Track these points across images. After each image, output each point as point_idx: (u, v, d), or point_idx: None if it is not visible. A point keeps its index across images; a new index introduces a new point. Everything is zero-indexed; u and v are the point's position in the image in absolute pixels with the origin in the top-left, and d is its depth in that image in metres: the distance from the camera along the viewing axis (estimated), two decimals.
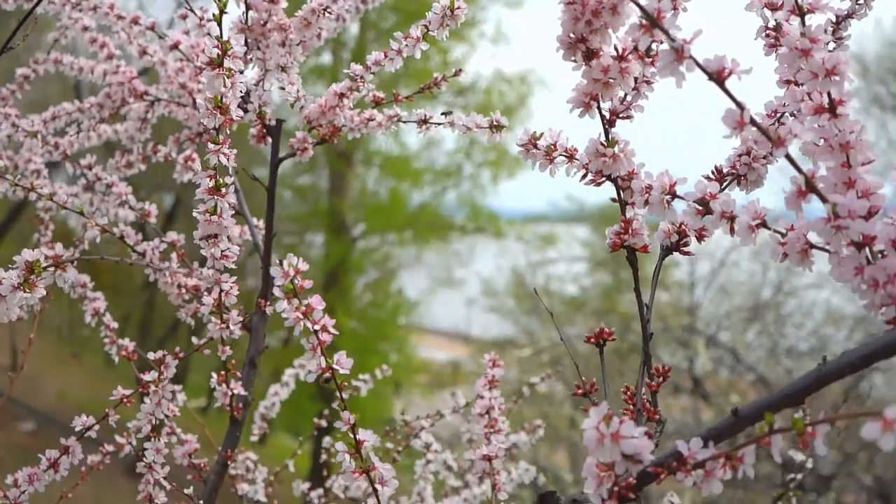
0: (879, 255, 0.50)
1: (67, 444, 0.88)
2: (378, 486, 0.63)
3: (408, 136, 11.89)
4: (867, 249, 0.49)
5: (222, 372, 0.93)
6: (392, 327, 10.82)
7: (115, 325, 1.07)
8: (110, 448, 1.13)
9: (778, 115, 0.67)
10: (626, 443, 0.48)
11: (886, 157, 9.32)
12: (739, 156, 0.66)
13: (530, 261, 9.30)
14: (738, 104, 0.49)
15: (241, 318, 0.89)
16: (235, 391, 0.94)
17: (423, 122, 0.91)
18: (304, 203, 11.41)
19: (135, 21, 1.07)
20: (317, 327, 0.60)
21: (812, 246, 0.52)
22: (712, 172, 0.67)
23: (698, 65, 0.49)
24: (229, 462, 0.96)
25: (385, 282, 11.51)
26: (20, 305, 0.64)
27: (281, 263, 0.59)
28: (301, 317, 0.60)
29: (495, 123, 0.81)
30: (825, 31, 0.69)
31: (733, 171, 0.66)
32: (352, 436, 0.63)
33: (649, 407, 0.60)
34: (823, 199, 0.50)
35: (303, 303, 0.60)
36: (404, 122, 0.94)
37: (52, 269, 0.66)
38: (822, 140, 0.53)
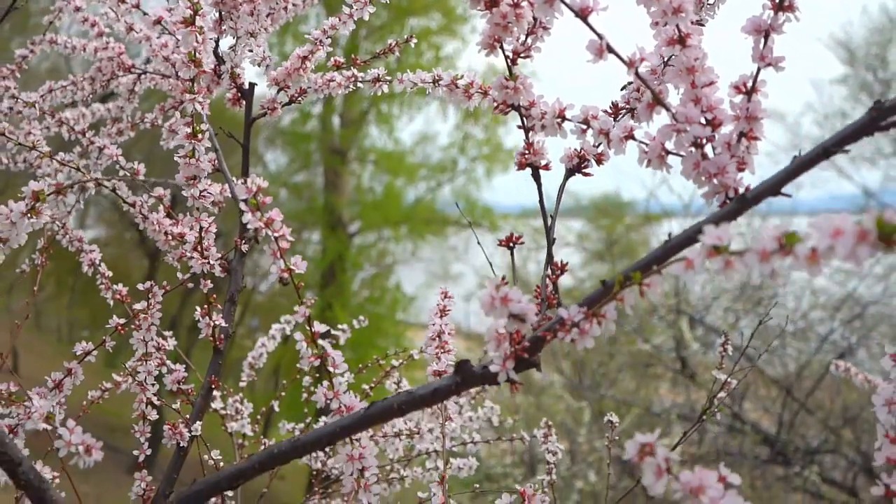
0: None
1: (70, 367, 1.00)
2: (331, 369, 0.76)
3: (402, 133, 11.99)
4: (704, 149, 0.62)
5: (205, 306, 1.06)
6: (390, 323, 10.92)
7: (109, 273, 1.19)
8: (108, 385, 1.26)
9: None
10: (512, 304, 0.61)
11: (875, 142, 9.44)
12: (632, 92, 0.78)
13: (522, 248, 9.42)
14: (599, 35, 0.62)
15: (220, 255, 1.01)
16: (217, 323, 1.06)
17: (377, 80, 1.04)
18: (300, 201, 11.53)
19: (121, 0, 1.19)
20: (277, 234, 0.73)
21: (668, 152, 0.65)
22: (610, 106, 0.79)
23: (566, 5, 0.61)
24: (213, 387, 1.09)
25: (382, 277, 11.62)
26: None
27: (245, 182, 0.71)
28: (263, 226, 0.72)
29: (436, 78, 0.93)
30: None
31: (627, 104, 0.79)
32: (308, 328, 0.76)
33: (551, 295, 0.73)
34: (668, 110, 0.62)
35: (265, 214, 0.73)
36: (361, 82, 1.06)
37: (54, 195, 0.79)
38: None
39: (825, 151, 0.57)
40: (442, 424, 1.02)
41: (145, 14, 1.16)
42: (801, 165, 0.57)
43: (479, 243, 1.08)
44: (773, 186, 0.58)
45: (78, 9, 1.29)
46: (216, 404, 1.38)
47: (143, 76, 1.28)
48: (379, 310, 11.16)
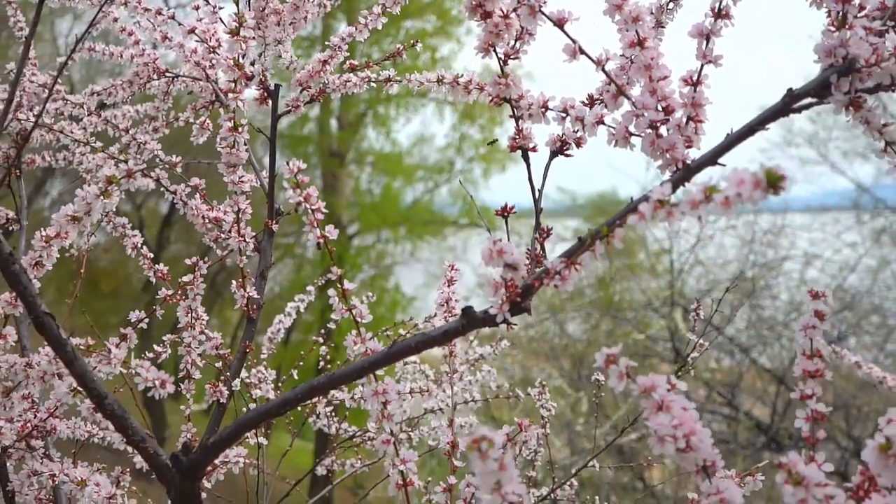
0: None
1: (125, 332, 1.15)
2: (358, 320, 0.91)
3: (399, 134, 12.13)
4: (659, 131, 0.77)
5: (240, 279, 1.21)
6: (390, 323, 11.05)
7: (150, 255, 1.35)
8: (151, 355, 1.41)
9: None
10: (507, 256, 0.76)
11: (867, 137, 9.59)
12: (604, 85, 0.94)
13: (521, 246, 9.53)
14: (573, 41, 0.77)
15: (254, 234, 1.16)
16: (250, 294, 1.22)
17: (388, 80, 1.19)
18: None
19: (158, 12, 1.34)
20: (314, 207, 0.88)
21: (630, 133, 0.80)
22: (587, 97, 0.95)
23: (546, 16, 0.77)
24: (247, 351, 1.24)
25: (381, 278, 11.76)
26: None
27: (287, 163, 0.86)
28: (302, 200, 0.88)
29: (440, 78, 1.09)
30: None
31: (600, 96, 0.94)
32: (339, 286, 0.91)
33: (539, 254, 0.88)
34: (629, 98, 0.78)
35: (304, 191, 0.88)
36: (374, 82, 1.21)
37: (125, 179, 0.94)
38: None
39: (751, 129, 0.72)
40: (450, 380, 1.17)
41: (180, 25, 1.32)
42: (733, 141, 0.73)
43: (483, 223, 1.23)
44: (711, 158, 0.73)
45: (116, 19, 1.44)
46: (243, 375, 1.53)
47: (175, 79, 1.43)
48: (379, 310, 11.30)
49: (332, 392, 1.68)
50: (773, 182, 0.55)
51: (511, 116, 0.89)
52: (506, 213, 0.92)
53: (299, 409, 1.59)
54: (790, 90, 0.71)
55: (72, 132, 1.53)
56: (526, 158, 0.90)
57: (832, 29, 0.71)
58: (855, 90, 0.70)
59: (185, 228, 11.83)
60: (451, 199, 12.14)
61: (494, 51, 0.85)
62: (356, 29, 1.17)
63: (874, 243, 8.46)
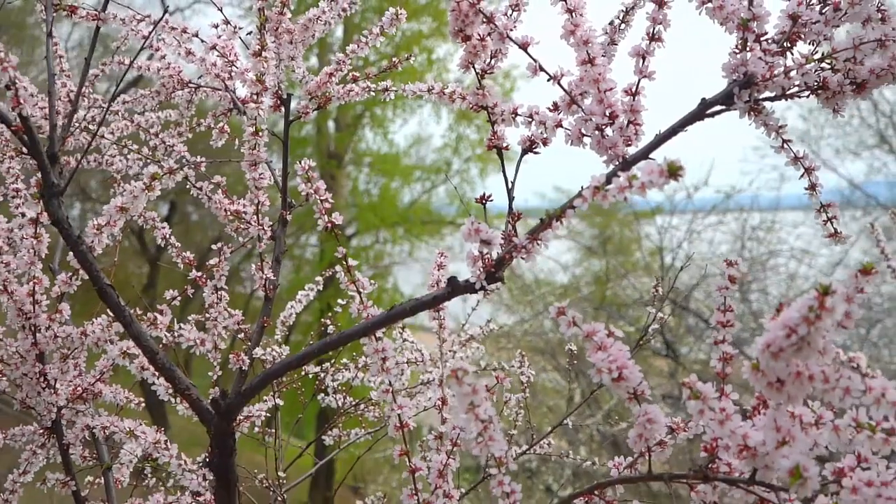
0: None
1: (161, 308, 1.33)
2: (361, 290, 1.09)
3: (396, 135, 12.29)
4: (604, 132, 0.96)
5: (258, 263, 1.40)
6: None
7: (178, 245, 1.53)
8: (185, 326, 1.59)
9: None
10: (482, 234, 0.95)
11: (858, 134, 9.81)
12: (564, 96, 1.12)
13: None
14: (534, 59, 0.96)
15: (271, 223, 1.35)
16: (268, 276, 1.40)
17: (386, 90, 1.38)
18: (297, 205, 11.84)
19: (184, 31, 1.53)
20: (322, 198, 1.07)
21: (583, 134, 0.99)
22: (552, 104, 1.13)
23: (511, 40, 0.95)
24: (265, 326, 1.42)
25: (379, 278, 11.94)
26: None
27: (300, 162, 1.05)
28: (313, 192, 1.06)
29: (430, 88, 1.27)
30: (617, 17, 1.16)
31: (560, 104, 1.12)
32: (345, 263, 1.10)
33: (512, 233, 1.07)
34: (579, 106, 0.96)
35: (314, 184, 1.07)
36: (373, 91, 1.40)
37: (167, 175, 1.12)
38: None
39: (673, 131, 0.91)
40: (440, 347, 1.36)
41: (203, 41, 1.50)
42: (660, 139, 0.91)
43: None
44: (644, 154, 0.92)
45: (145, 37, 1.62)
46: (258, 352, 1.72)
47: (198, 90, 1.62)
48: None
49: (339, 369, 1.87)
50: (673, 171, 0.74)
51: (487, 121, 1.08)
52: (484, 201, 1.10)
53: (309, 376, 1.77)
54: (703, 99, 0.90)
55: (103, 136, 1.71)
56: (500, 156, 1.09)
57: (736, 51, 0.89)
58: (754, 99, 0.89)
59: (185, 230, 12.00)
60: (448, 200, 12.32)
61: (474, 67, 1.04)
62: (358, 46, 1.36)
63: (864, 237, 8.65)
